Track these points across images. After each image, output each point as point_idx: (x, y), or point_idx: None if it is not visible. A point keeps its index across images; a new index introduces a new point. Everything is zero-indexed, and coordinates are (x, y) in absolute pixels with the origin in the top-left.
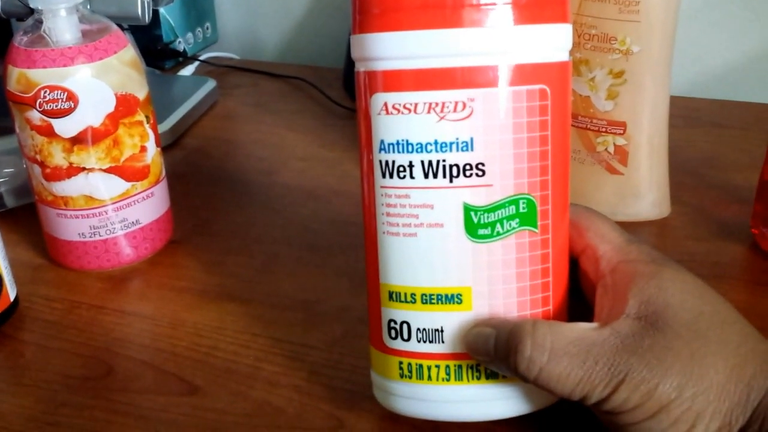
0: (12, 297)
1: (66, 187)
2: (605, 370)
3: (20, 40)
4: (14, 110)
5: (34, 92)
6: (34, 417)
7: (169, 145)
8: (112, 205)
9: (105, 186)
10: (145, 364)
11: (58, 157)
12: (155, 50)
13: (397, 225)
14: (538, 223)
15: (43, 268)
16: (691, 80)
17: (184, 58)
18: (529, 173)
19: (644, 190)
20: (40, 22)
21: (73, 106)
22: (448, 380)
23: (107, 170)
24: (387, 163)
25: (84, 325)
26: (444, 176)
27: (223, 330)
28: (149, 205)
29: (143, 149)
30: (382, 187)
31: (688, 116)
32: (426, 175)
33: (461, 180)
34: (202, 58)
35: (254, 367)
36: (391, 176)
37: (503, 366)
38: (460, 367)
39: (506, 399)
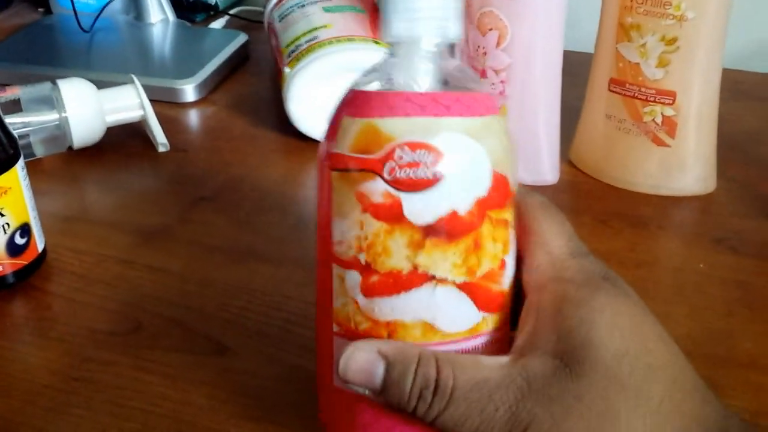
0: (40, 248)
1: (400, 306)
2: (506, 418)
3: (363, 81)
4: (338, 184)
5: (384, 152)
6: (59, 371)
7: (200, 100)
8: (453, 344)
9: (457, 312)
10: (174, 321)
11: (398, 256)
12: (186, 3)
13: None
14: None
15: (71, 220)
16: (737, 53)
17: (215, 12)
18: None
19: (690, 163)
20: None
21: (438, 175)
22: None
23: (461, 286)
24: None
25: (112, 279)
26: None
27: (253, 291)
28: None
29: (502, 265)
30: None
31: (734, 89)
32: None
33: None
34: (232, 12)
35: (285, 330)
36: None
37: (393, 401)
38: None
39: None
